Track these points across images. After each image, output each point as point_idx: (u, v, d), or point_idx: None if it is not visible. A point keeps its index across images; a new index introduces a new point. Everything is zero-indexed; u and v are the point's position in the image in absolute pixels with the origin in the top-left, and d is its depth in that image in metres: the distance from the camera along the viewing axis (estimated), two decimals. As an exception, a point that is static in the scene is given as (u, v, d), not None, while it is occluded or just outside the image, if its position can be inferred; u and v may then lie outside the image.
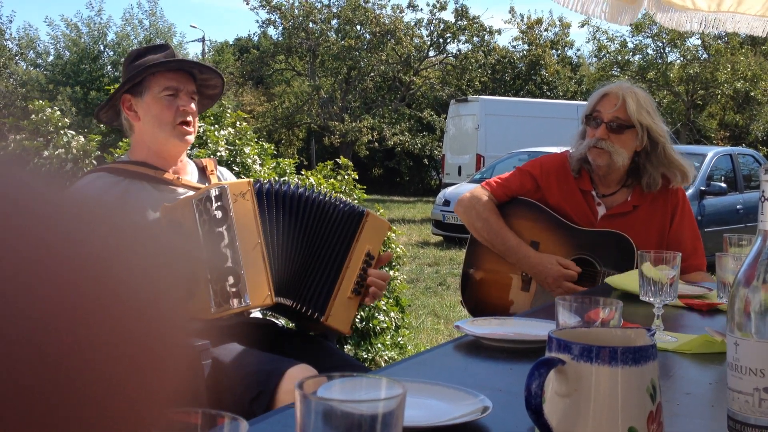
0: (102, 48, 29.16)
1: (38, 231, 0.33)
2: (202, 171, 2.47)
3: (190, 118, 2.31)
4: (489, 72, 30.29)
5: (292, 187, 2.25)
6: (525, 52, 31.52)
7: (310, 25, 28.78)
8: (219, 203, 2.09)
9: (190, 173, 2.42)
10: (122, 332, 0.34)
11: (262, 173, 4.58)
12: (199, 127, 4.76)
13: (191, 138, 2.33)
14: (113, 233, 0.36)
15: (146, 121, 2.32)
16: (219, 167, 2.57)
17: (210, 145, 4.64)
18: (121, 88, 2.31)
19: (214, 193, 2.10)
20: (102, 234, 0.36)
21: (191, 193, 2.25)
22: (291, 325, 3.19)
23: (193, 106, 2.32)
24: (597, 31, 29.64)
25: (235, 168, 4.56)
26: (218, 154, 4.56)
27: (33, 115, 5.34)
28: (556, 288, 2.77)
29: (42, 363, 0.31)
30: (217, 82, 2.43)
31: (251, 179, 2.23)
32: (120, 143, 4.98)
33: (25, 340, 0.31)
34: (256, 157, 4.78)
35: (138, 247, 0.37)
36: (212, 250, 2.07)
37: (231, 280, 2.05)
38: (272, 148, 5.16)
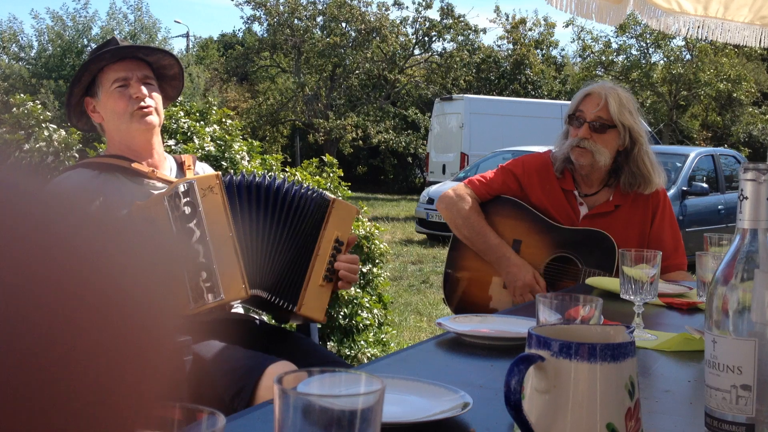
0: (86, 42, 28.96)
1: (24, 229, 0.32)
2: (180, 166, 2.45)
3: (147, 102, 2.27)
4: (474, 71, 30.34)
5: (259, 178, 2.25)
6: (510, 51, 31.60)
7: (295, 21, 28.73)
8: (187, 198, 2.08)
9: (168, 168, 2.40)
10: (111, 331, 0.34)
11: (249, 169, 4.58)
12: (184, 123, 4.75)
13: (153, 119, 2.29)
14: (100, 231, 0.36)
15: (108, 119, 2.31)
16: (199, 163, 2.55)
17: (196, 140, 4.63)
18: (71, 91, 2.30)
19: (181, 188, 2.09)
20: (89, 232, 0.35)
21: (165, 187, 2.24)
22: (273, 321, 3.18)
23: (145, 90, 2.26)
24: (581, 31, 29.81)
25: (223, 164, 4.55)
26: (206, 149, 4.55)
27: (14, 109, 5.30)
28: (519, 295, 2.79)
29: (29, 363, 0.31)
30: (170, 61, 2.37)
31: (219, 173, 2.21)
32: (104, 138, 4.95)
33: (10, 340, 0.30)
34: (244, 153, 4.78)
35: (125, 244, 0.37)
36: (185, 245, 2.06)
37: (204, 275, 2.05)
38: (259, 146, 5.15)
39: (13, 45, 30.02)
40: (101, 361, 0.33)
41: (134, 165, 2.28)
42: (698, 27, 3.57)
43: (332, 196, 2.29)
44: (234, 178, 2.20)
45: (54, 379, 0.31)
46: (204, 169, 2.54)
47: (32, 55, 29.55)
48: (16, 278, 0.31)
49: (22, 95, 5.50)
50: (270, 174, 2.30)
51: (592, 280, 2.50)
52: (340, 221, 2.25)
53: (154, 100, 2.30)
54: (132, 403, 0.35)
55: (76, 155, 5.18)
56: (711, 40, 3.64)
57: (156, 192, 2.23)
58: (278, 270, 2.21)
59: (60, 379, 0.32)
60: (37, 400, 0.31)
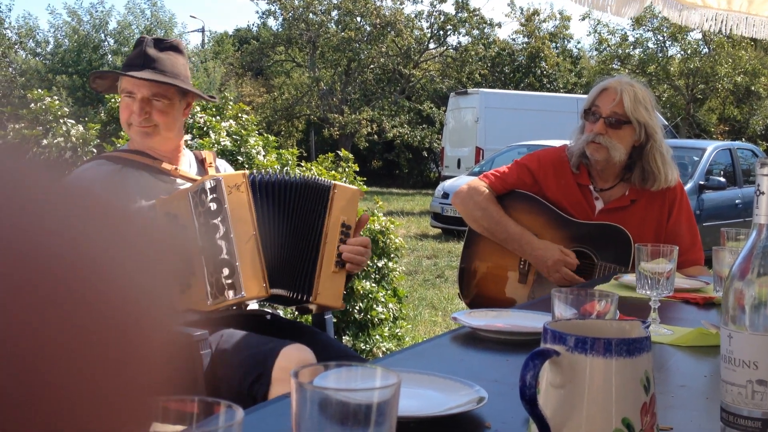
0: (103, 37, 29.09)
1: (24, 225, 0.32)
2: (201, 163, 2.47)
3: (143, 123, 2.29)
4: (489, 65, 30.24)
5: (276, 175, 2.27)
6: (525, 44, 31.47)
7: (310, 16, 28.71)
8: (214, 195, 2.10)
9: (186, 163, 2.43)
10: (102, 326, 0.34)
11: (265, 163, 4.60)
12: (200, 118, 4.77)
13: (150, 131, 2.32)
14: (100, 228, 0.36)
15: None
16: (218, 160, 2.57)
17: (212, 135, 4.65)
18: (92, 81, 2.41)
19: (209, 185, 2.11)
20: (89, 230, 0.35)
21: (188, 185, 2.26)
22: (289, 315, 3.19)
23: (142, 110, 2.28)
24: (598, 24, 29.63)
25: (239, 158, 4.57)
26: (222, 144, 4.57)
27: (32, 104, 5.33)
28: (554, 272, 2.77)
29: (13, 363, 0.31)
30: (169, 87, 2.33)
31: (246, 171, 2.23)
32: (121, 132, 4.98)
33: None
34: (260, 148, 4.80)
35: (125, 242, 0.37)
36: (207, 241, 2.07)
37: (226, 271, 2.06)
38: (275, 140, 5.17)
39: (30, 40, 30.21)
40: (90, 355, 0.33)
41: (156, 163, 2.31)
42: (721, 21, 3.51)
43: (332, 181, 2.30)
44: (258, 177, 2.22)
45: (40, 374, 0.31)
46: (224, 167, 2.56)
47: (48, 50, 29.72)
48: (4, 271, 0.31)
49: (39, 91, 5.53)
50: (285, 170, 2.30)
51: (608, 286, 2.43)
52: (344, 205, 2.26)
53: (155, 119, 2.30)
54: (124, 398, 0.35)
55: (94, 150, 5.22)
56: (729, 34, 3.58)
57: (179, 188, 2.25)
58: (291, 264, 2.22)
59: (46, 374, 0.32)
60: (23, 397, 0.31)
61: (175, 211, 2.12)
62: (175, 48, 2.37)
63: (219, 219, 2.09)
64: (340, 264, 2.23)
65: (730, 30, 3.52)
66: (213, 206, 2.10)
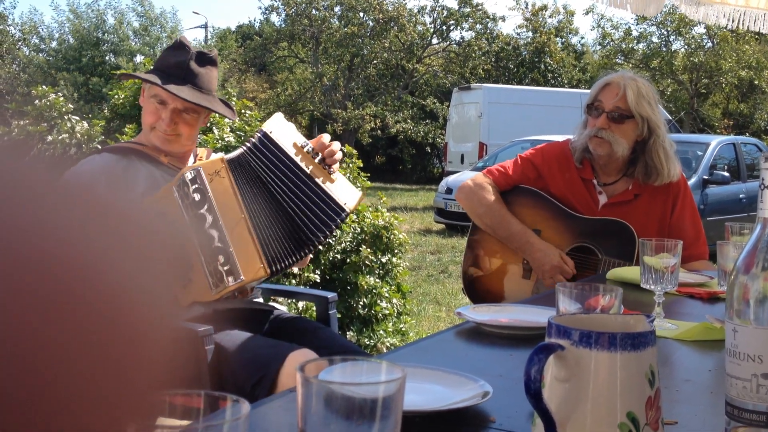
0: (102, 34, 29.12)
1: (23, 225, 0.33)
2: (195, 159, 2.49)
3: (170, 131, 2.30)
4: (492, 59, 30.20)
5: (242, 147, 2.27)
6: (529, 39, 31.42)
7: (313, 11, 28.71)
8: (195, 185, 2.10)
9: (190, 162, 2.44)
10: (100, 328, 0.34)
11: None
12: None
13: (172, 139, 2.33)
14: (99, 228, 0.36)
15: (143, 111, 2.37)
16: (214, 154, 2.57)
17: (216, 131, 4.65)
18: (135, 77, 2.43)
19: (188, 176, 2.11)
20: (89, 230, 0.35)
21: None
22: (293, 311, 3.19)
23: (172, 121, 2.29)
24: (601, 18, 29.58)
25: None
26: (225, 140, 4.58)
27: (37, 101, 5.34)
28: (549, 277, 2.78)
29: (13, 363, 0.31)
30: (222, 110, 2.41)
31: (223, 155, 2.22)
32: (125, 129, 4.99)
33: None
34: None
35: (125, 242, 0.37)
36: (199, 232, 2.08)
37: (221, 259, 2.07)
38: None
39: (34, 37, 30.24)
40: (90, 355, 0.33)
41: (159, 155, 2.32)
42: (740, 17, 3.48)
43: (261, 129, 2.29)
44: (236, 159, 2.21)
45: (40, 374, 0.31)
46: None
47: (52, 46, 29.77)
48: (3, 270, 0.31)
49: (43, 87, 5.54)
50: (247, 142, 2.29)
51: (612, 273, 2.46)
52: (284, 132, 2.28)
53: (180, 129, 2.32)
54: (124, 397, 0.35)
55: (99, 147, 5.23)
56: (734, 29, 3.56)
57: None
58: (311, 209, 2.23)
59: (46, 374, 0.32)
60: (23, 397, 0.31)
61: (164, 208, 2.13)
62: (213, 62, 2.40)
63: (205, 208, 2.10)
64: (329, 169, 2.28)
65: (748, 27, 3.49)
66: (197, 197, 2.10)
